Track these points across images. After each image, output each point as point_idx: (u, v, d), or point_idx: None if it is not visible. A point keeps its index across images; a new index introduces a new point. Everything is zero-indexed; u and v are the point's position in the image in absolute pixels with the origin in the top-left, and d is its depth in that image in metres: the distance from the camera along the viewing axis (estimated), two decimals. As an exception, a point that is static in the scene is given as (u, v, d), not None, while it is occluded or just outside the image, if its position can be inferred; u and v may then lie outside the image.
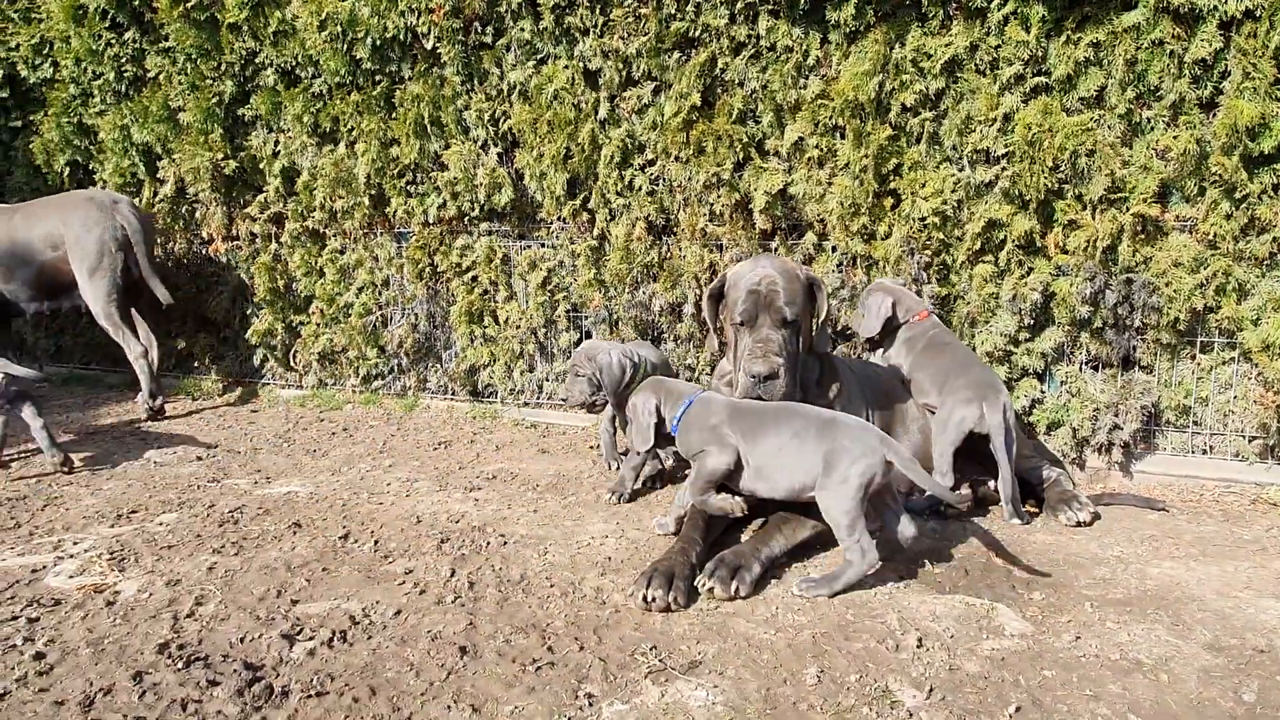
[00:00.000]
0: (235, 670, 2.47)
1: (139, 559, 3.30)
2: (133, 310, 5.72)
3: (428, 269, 5.55)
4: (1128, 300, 4.02)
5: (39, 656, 2.56)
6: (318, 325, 5.94)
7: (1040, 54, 4.00)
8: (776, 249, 4.73)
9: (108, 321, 5.56)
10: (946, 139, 4.23)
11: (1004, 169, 4.10)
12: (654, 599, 2.76)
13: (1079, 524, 3.59)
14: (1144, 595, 2.95)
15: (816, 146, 4.46)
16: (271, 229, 5.98)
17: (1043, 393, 4.33)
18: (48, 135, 6.30)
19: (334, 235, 5.83)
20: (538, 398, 5.45)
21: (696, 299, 4.86)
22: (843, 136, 4.42)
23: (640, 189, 4.88)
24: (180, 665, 2.50)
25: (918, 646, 2.56)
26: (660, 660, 2.47)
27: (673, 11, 4.55)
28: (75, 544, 3.47)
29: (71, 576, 3.15)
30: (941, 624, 2.71)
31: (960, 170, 4.24)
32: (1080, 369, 4.27)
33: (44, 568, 3.23)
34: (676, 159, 4.75)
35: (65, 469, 4.41)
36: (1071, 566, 3.20)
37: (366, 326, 5.76)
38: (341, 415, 5.68)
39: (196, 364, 6.51)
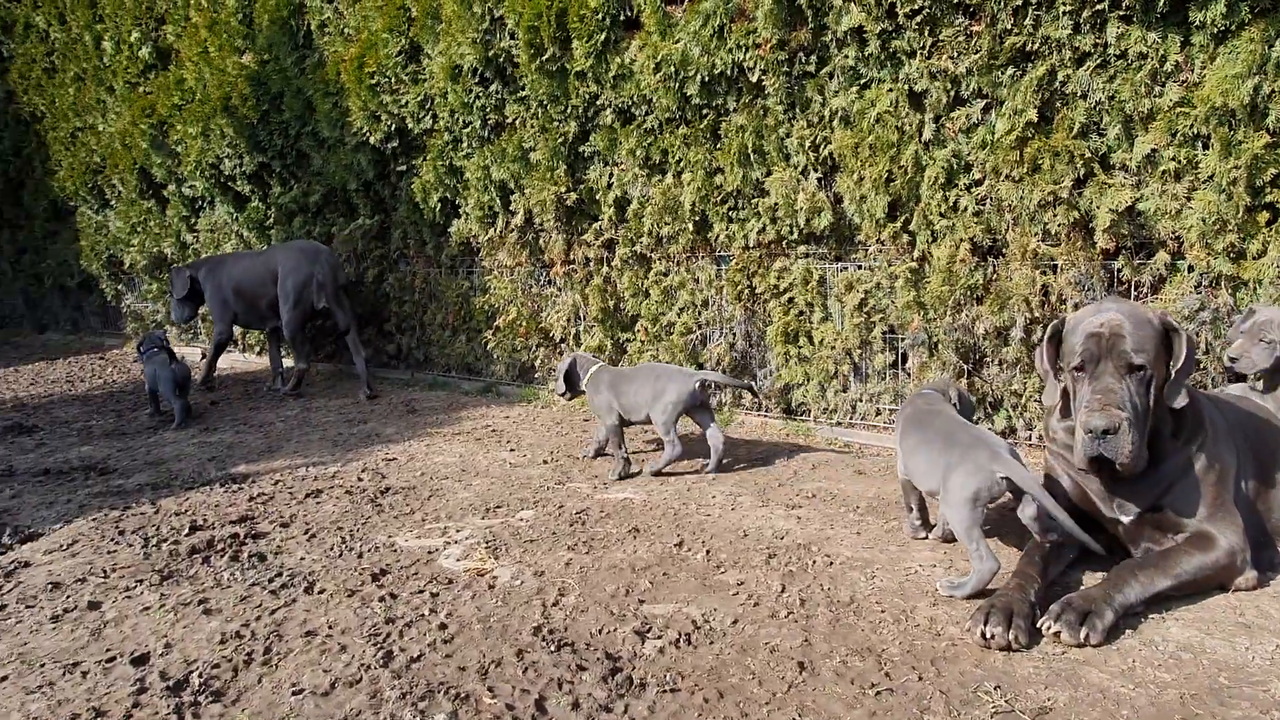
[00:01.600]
0: (598, 659, 2.79)
1: (509, 549, 3.80)
2: (350, 334, 7.73)
3: (746, 290, 5.79)
4: None
5: (442, 627, 3.06)
6: (642, 342, 6.41)
7: None
8: (1121, 269, 4.40)
9: (291, 341, 7.73)
10: (1345, 144, 3.71)
11: None
12: (993, 636, 2.72)
13: None
14: None
15: (1173, 159, 4.09)
16: (604, 254, 6.55)
17: None
18: (425, 176, 7.39)
19: (659, 259, 6.26)
20: (851, 418, 5.48)
21: (1025, 323, 4.64)
22: (1205, 147, 4.02)
23: (965, 210, 4.76)
24: (553, 648, 2.87)
25: (1310, 723, 2.30)
26: (1006, 701, 2.44)
27: (1008, 27, 4.40)
28: (458, 531, 4.07)
29: (459, 560, 3.71)
30: (1340, 701, 2.41)
31: (1362, 179, 3.69)
32: None
33: (437, 550, 3.83)
34: (1007, 178, 4.57)
35: None
36: None
37: (687, 344, 6.13)
38: (662, 427, 6.07)
39: (536, 374, 7.28)
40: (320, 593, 3.38)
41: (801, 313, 5.60)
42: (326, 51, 7.93)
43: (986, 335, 4.81)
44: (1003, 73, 4.50)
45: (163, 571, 3.61)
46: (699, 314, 6.11)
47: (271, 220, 9.10)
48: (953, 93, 4.69)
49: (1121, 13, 4.10)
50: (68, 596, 3.40)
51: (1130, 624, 2.88)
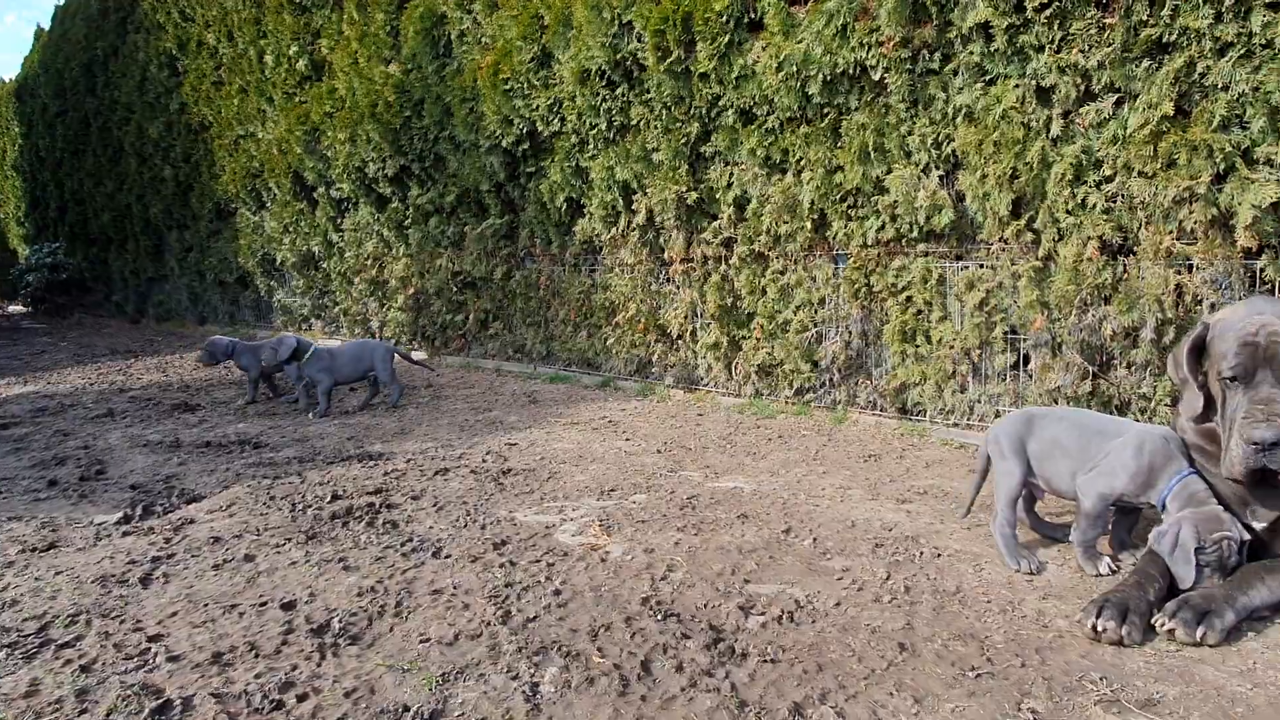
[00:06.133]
0: (702, 629, 2.91)
1: (621, 528, 3.97)
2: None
3: (863, 289, 5.79)
4: None
5: (556, 593, 3.24)
6: (758, 339, 6.48)
7: None
8: (1264, 269, 4.19)
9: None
10: None
11: None
12: (1104, 629, 2.68)
13: None
14: None
15: (1325, 152, 3.88)
16: (722, 252, 6.67)
17: None
18: (553, 177, 7.70)
19: (776, 258, 6.33)
20: (968, 418, 5.40)
21: (1156, 324, 4.47)
22: (1363, 138, 3.80)
23: (1094, 207, 4.63)
24: (659, 617, 3.00)
25: None
26: (1112, 691, 2.42)
27: (1144, 18, 4.27)
28: (574, 510, 4.27)
29: (574, 535, 3.90)
30: None
31: None
32: None
33: (554, 526, 4.04)
34: (1140, 174, 4.43)
35: None
36: None
37: (802, 342, 6.17)
38: (775, 424, 6.13)
39: (654, 369, 7.46)
40: (446, 557, 3.63)
41: (920, 311, 5.56)
42: (464, 59, 8.37)
43: (1114, 336, 4.66)
44: (1137, 65, 4.36)
45: (308, 532, 3.95)
46: (815, 312, 6.14)
47: (409, 220, 9.64)
48: (1083, 87, 4.58)
49: (1268, 0, 3.92)
50: (226, 549, 3.77)
51: (1254, 627, 2.78)
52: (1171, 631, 2.68)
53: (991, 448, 3.66)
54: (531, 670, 2.64)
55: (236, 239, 13.30)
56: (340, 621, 2.99)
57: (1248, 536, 2.98)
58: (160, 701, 2.47)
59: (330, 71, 10.36)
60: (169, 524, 4.12)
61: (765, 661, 2.67)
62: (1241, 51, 4.07)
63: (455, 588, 3.30)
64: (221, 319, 14.76)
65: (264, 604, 3.17)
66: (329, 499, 4.47)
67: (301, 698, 2.49)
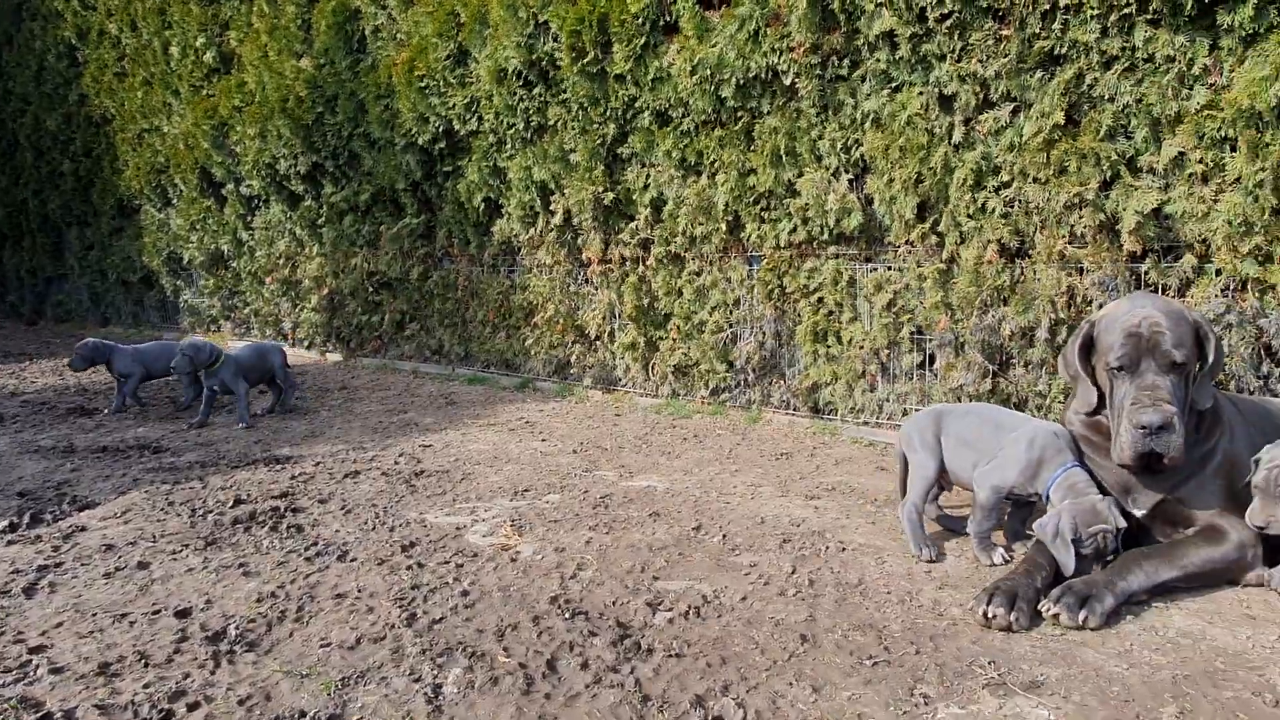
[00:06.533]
0: (609, 626, 2.92)
1: (533, 528, 3.95)
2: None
3: (776, 290, 5.89)
4: None
5: (464, 594, 3.21)
6: (675, 340, 6.54)
7: None
8: (1146, 272, 4.41)
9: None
10: (1373, 147, 3.70)
11: None
12: (994, 616, 2.79)
13: None
14: None
15: (1200, 161, 4.11)
16: (639, 253, 6.70)
17: None
18: (470, 177, 7.63)
19: (692, 259, 6.39)
20: (878, 417, 5.54)
21: (1050, 324, 4.67)
22: (1234, 149, 4.03)
23: (993, 211, 4.81)
24: (567, 616, 3.00)
25: (1302, 706, 2.33)
26: (999, 675, 2.51)
27: (1037, 30, 4.46)
28: (486, 511, 4.23)
29: (485, 536, 3.86)
30: (1336, 688, 2.44)
31: (1392, 182, 3.69)
32: None
33: (464, 527, 3.99)
34: (1035, 180, 4.62)
35: None
36: None
37: (718, 343, 6.24)
38: (691, 424, 6.19)
39: (573, 370, 7.44)
40: (352, 560, 3.56)
41: (831, 312, 5.68)
42: (379, 55, 8.23)
43: (1012, 336, 4.85)
44: (1031, 76, 4.55)
45: (207, 538, 3.83)
46: (730, 313, 6.22)
47: (323, 219, 9.42)
48: (982, 96, 4.76)
49: (1149, 16, 4.14)
50: (119, 557, 3.62)
51: (1133, 611, 2.93)
52: (1057, 616, 2.80)
53: (905, 443, 3.78)
54: (435, 671, 2.61)
55: (141, 237, 12.78)
56: (237, 628, 2.91)
57: (1124, 524, 3.13)
58: (40, 715, 2.36)
59: (239, 65, 10.05)
60: (58, 532, 3.94)
61: (670, 656, 2.70)
62: (1126, 65, 4.28)
63: (360, 591, 3.24)
64: (125, 320, 14.16)
65: (157, 612, 3.06)
66: (231, 504, 4.34)
67: (193, 706, 2.41)
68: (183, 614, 3.04)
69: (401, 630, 2.90)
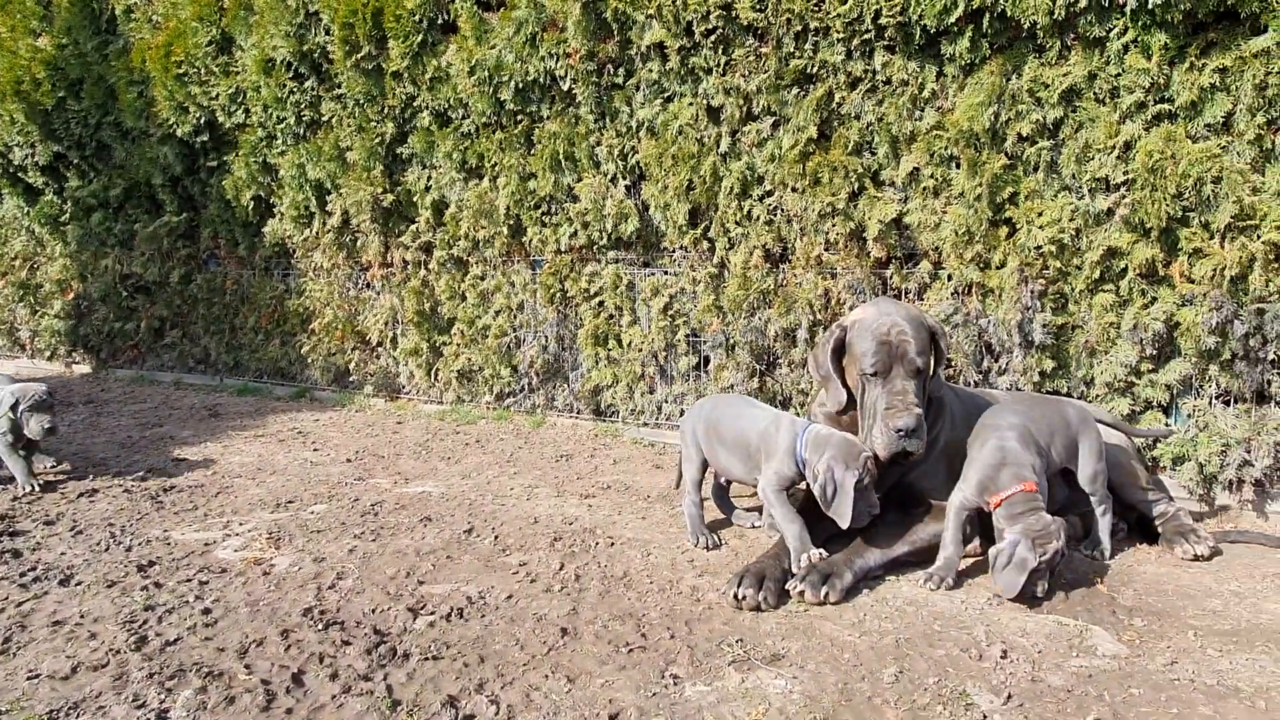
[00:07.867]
0: (366, 634, 2.80)
1: (292, 539, 3.73)
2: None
3: (558, 294, 5.92)
4: (1259, 331, 3.88)
5: (206, 612, 2.98)
6: (459, 345, 6.41)
7: (1163, 81, 3.95)
8: (890, 276, 4.81)
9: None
10: (1065, 168, 4.22)
11: (1124, 196, 4.06)
12: (744, 597, 2.92)
13: (1196, 557, 3.48)
14: (1254, 628, 2.87)
15: (931, 176, 4.54)
16: (421, 256, 6.53)
17: (1168, 426, 4.20)
18: (238, 173, 7.13)
19: (476, 263, 6.30)
20: (657, 418, 5.69)
21: (809, 325, 4.98)
22: (958, 166, 4.48)
23: (758, 219, 5.08)
24: (320, 627, 2.85)
25: (1001, 657, 2.61)
26: (744, 651, 2.63)
27: (791, 50, 4.76)
28: (241, 525, 3.95)
29: (236, 551, 3.61)
30: (1030, 639, 2.74)
31: (1080, 199, 4.22)
32: (1210, 403, 4.13)
33: (214, 542, 3.71)
34: (793, 190, 4.92)
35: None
36: (1181, 597, 3.13)
37: (501, 347, 6.19)
38: (475, 429, 6.09)
39: (353, 378, 7.12)
40: (77, 584, 3.22)
41: (611, 316, 5.78)
42: (132, 37, 7.53)
43: (777, 337, 5.13)
44: (788, 92, 4.85)
45: (-104, 570, 3.33)
46: (514, 317, 6.18)
47: (68, 216, 8.50)
48: (745, 109, 5.01)
49: (886, 42, 4.53)
50: None
51: (869, 585, 3.16)
52: (802, 594, 2.97)
53: (681, 438, 3.90)
54: (162, 696, 2.40)
55: None
56: (-78, 668, 2.54)
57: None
58: None
59: (-37, 40, 8.88)
60: None
61: (427, 659, 2.63)
62: (869, 86, 4.66)
63: (82, 616, 2.93)
64: None
65: None
66: (-68, 530, 3.80)
67: None
68: None
69: (128, 655, 2.65)
